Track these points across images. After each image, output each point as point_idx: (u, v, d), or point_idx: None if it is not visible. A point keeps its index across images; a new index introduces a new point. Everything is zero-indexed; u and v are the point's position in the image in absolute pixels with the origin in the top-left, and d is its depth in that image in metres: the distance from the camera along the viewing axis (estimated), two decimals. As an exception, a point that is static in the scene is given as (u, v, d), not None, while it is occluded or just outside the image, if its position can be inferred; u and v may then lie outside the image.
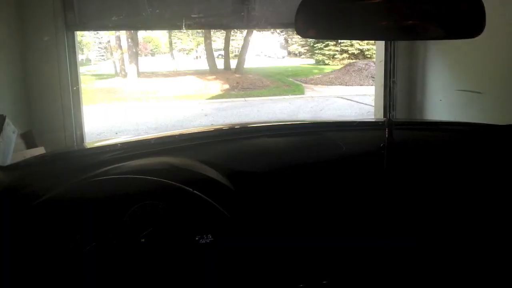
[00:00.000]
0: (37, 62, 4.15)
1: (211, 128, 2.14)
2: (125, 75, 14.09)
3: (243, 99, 12.23)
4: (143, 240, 1.28)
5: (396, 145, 1.40)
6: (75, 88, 4.38)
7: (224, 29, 5.75)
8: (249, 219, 1.39)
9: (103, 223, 1.26)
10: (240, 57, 15.89)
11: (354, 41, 15.08)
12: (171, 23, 4.62)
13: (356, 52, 16.85)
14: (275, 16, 4.70)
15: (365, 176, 1.51)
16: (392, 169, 1.41)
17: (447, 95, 4.76)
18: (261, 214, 1.42)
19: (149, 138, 1.75)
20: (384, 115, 5.35)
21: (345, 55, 17.06)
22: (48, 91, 4.19)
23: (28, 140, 3.54)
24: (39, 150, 3.47)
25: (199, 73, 14.49)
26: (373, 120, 3.20)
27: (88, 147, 2.22)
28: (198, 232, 1.30)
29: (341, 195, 1.49)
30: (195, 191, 1.32)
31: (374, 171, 1.46)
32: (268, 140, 1.76)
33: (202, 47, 17.52)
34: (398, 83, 5.19)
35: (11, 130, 2.95)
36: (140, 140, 1.76)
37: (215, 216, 1.32)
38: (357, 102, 10.88)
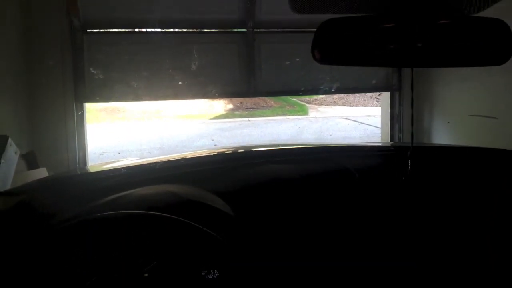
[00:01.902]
0: (42, 83, 4.14)
1: (215, 151, 2.08)
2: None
3: (246, 119, 12.22)
4: (146, 274, 1.21)
5: (419, 173, 1.34)
6: (80, 113, 4.38)
7: (233, 97, 5.92)
8: (256, 253, 1.32)
9: (105, 257, 1.19)
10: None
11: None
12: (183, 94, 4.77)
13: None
14: (281, 84, 4.91)
15: (382, 206, 1.44)
16: (416, 198, 1.35)
17: (454, 120, 4.73)
18: (270, 250, 1.35)
19: (153, 162, 1.69)
20: (391, 139, 5.32)
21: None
22: (52, 112, 4.17)
23: (30, 160, 3.49)
24: (41, 171, 3.41)
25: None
26: (385, 145, 3.13)
27: (91, 170, 2.16)
28: (204, 267, 1.23)
29: (357, 227, 1.42)
30: (200, 226, 1.26)
31: (392, 200, 1.39)
32: (276, 167, 1.69)
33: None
34: (405, 107, 5.19)
35: (13, 151, 2.90)
36: (144, 165, 1.70)
37: (220, 250, 1.25)
38: (362, 123, 10.85)
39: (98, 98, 4.59)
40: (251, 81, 4.78)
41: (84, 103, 4.48)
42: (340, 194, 1.52)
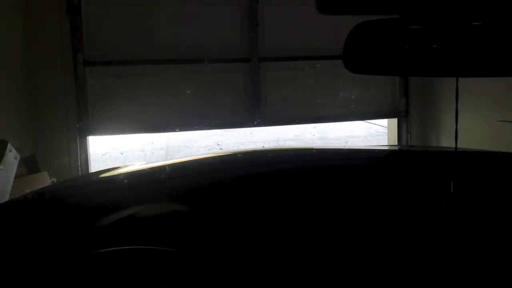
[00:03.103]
0: (43, 86, 4.07)
1: (220, 154, 2.01)
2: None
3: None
4: None
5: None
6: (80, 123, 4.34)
7: (239, 127, 5.96)
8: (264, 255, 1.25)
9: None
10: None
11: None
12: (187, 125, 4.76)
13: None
14: (285, 112, 4.90)
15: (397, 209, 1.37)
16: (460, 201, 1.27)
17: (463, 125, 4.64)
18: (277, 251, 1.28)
19: (159, 166, 1.62)
20: (398, 141, 5.25)
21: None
22: (53, 115, 4.10)
23: (31, 164, 3.42)
24: (42, 176, 3.34)
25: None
26: (394, 149, 3.05)
27: (93, 178, 2.07)
28: None
29: (366, 229, 1.34)
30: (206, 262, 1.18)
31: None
32: (283, 174, 1.62)
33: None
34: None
35: (13, 156, 2.82)
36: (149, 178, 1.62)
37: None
38: (366, 121, 10.75)
39: (102, 130, 4.54)
40: (256, 111, 4.79)
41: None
42: (347, 197, 1.45)
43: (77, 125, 4.26)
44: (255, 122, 4.82)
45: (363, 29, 0.97)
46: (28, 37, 4.03)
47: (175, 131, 4.84)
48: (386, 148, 3.95)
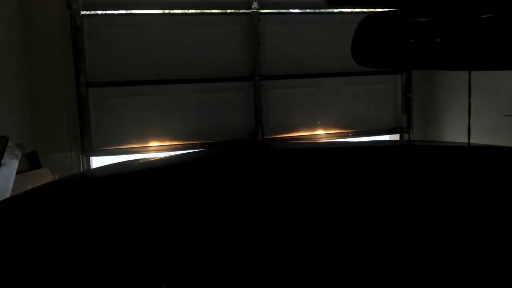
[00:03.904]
0: (43, 79, 4.04)
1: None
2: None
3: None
4: None
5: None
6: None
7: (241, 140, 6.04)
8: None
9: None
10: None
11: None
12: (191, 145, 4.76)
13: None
14: (287, 129, 4.95)
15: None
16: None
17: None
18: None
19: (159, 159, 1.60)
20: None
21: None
22: (53, 109, 4.08)
23: (33, 160, 3.40)
24: (44, 172, 3.33)
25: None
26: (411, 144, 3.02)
27: (97, 175, 2.04)
28: None
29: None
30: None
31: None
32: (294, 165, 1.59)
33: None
34: (415, 99, 5.10)
35: (14, 153, 2.81)
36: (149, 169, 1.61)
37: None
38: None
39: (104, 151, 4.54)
40: (258, 126, 4.85)
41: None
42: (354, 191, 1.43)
43: (81, 145, 4.32)
44: (258, 139, 4.88)
45: (371, 22, 0.93)
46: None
47: (179, 151, 4.85)
48: (395, 143, 3.91)
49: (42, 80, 4.02)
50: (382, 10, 0.90)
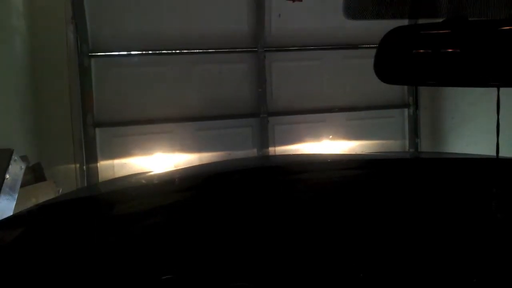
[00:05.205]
0: (49, 91, 4.03)
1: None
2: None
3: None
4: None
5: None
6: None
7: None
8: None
9: None
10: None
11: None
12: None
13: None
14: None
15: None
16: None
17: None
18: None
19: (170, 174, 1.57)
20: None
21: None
22: (59, 122, 4.06)
23: (37, 173, 3.38)
24: (48, 184, 3.30)
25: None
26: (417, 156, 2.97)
27: (102, 191, 2.01)
28: None
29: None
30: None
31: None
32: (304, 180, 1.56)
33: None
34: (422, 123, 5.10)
35: (19, 166, 2.79)
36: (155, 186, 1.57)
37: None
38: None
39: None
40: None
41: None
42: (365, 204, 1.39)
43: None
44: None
45: (395, 37, 0.90)
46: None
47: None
48: (414, 154, 3.86)
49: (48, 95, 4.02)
50: (405, 24, 0.88)
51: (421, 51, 0.90)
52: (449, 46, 0.89)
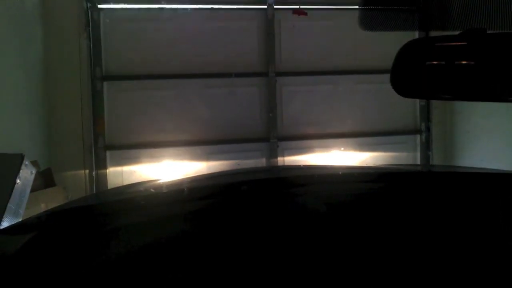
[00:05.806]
0: (60, 100, 4.07)
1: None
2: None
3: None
4: None
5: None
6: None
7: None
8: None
9: None
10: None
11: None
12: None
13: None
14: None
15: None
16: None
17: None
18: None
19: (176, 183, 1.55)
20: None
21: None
22: (70, 129, 4.10)
23: (47, 178, 3.40)
24: (57, 190, 3.32)
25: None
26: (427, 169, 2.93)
27: (110, 198, 2.00)
28: None
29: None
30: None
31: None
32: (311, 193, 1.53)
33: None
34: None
35: (29, 171, 2.80)
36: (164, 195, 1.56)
37: None
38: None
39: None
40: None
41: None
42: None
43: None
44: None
45: (411, 48, 0.87)
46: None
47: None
48: (426, 168, 3.82)
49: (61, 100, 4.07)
50: (422, 37, 0.86)
51: (438, 63, 0.88)
52: (466, 59, 0.86)
